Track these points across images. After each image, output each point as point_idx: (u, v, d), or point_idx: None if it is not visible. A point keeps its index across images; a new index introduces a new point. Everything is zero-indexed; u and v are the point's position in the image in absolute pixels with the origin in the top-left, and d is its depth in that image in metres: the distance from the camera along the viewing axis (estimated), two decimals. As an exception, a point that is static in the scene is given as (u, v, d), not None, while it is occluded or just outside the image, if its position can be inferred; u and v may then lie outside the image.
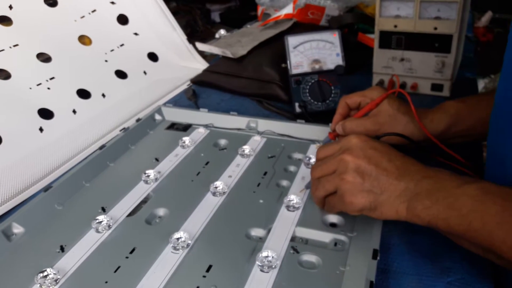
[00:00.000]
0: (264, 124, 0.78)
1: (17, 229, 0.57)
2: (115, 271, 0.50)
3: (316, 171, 0.54)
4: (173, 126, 0.83)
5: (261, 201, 0.60)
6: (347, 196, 0.49)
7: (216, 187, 0.62)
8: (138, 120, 0.81)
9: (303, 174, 0.65)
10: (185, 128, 0.81)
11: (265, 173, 0.66)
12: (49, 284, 0.48)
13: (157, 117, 0.84)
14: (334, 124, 0.67)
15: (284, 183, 0.64)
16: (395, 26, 0.85)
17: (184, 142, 0.74)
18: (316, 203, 0.56)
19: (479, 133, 0.63)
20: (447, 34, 0.81)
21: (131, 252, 0.52)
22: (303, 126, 0.75)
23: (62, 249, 0.53)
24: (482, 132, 0.61)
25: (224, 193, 0.61)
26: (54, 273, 0.49)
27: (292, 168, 0.67)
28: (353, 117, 0.65)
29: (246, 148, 0.71)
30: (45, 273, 0.49)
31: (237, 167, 0.68)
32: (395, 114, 0.62)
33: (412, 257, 0.51)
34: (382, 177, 0.48)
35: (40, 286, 0.48)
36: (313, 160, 0.67)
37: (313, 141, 0.73)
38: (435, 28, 0.82)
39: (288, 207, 0.57)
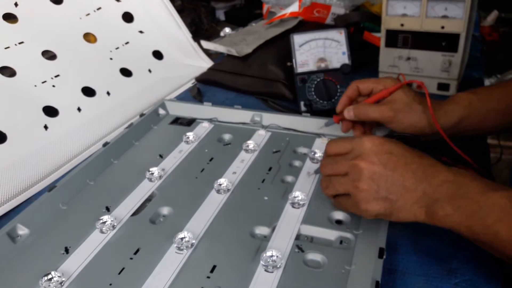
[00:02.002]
0: (269, 118, 0.77)
1: (22, 230, 0.57)
2: (120, 273, 0.49)
3: (326, 169, 0.53)
4: (177, 120, 0.82)
5: (265, 198, 0.60)
6: (362, 203, 0.48)
7: (220, 185, 0.61)
8: (142, 115, 0.80)
9: (308, 169, 0.65)
10: (189, 122, 0.81)
11: (270, 169, 0.66)
12: (54, 287, 0.48)
13: (161, 111, 0.84)
14: (342, 106, 0.65)
15: (289, 178, 0.64)
16: (402, 25, 0.85)
17: (188, 137, 0.74)
18: (325, 195, 0.55)
19: (490, 125, 0.62)
20: (455, 33, 0.81)
21: (135, 253, 0.52)
22: (308, 119, 0.75)
23: (66, 250, 0.53)
24: (494, 124, 0.61)
25: (228, 190, 0.61)
26: (58, 276, 0.49)
27: (297, 163, 0.67)
28: (365, 102, 0.63)
29: (251, 143, 0.71)
30: (50, 276, 0.48)
31: (242, 163, 0.67)
32: (410, 102, 0.60)
33: (419, 257, 0.51)
34: (398, 183, 0.47)
35: (45, 289, 0.48)
36: (318, 154, 0.66)
37: (318, 135, 0.73)
38: (442, 27, 0.81)
39: (293, 204, 0.57)
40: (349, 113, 0.64)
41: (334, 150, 0.53)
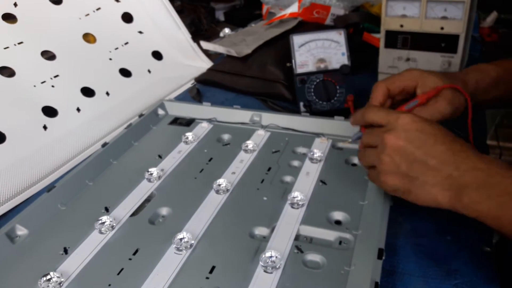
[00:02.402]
0: (268, 118, 0.77)
1: (21, 231, 0.56)
2: (118, 274, 0.49)
3: (365, 138, 0.55)
4: (176, 121, 0.82)
5: (265, 198, 0.59)
6: (382, 175, 0.50)
7: (219, 185, 0.61)
8: (141, 115, 0.80)
9: (308, 169, 0.64)
10: (188, 122, 0.81)
11: (269, 169, 0.66)
12: (53, 288, 0.48)
13: (160, 111, 0.84)
14: None
15: (288, 179, 0.63)
16: (401, 26, 0.84)
17: (187, 138, 0.74)
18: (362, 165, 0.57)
19: (492, 98, 0.61)
20: (454, 34, 0.81)
21: (134, 254, 0.52)
22: (307, 119, 0.75)
23: (65, 251, 0.53)
24: (495, 96, 0.61)
25: (227, 190, 0.61)
26: (57, 277, 0.48)
27: (296, 163, 0.67)
28: (422, 106, 0.57)
29: (250, 143, 0.71)
30: (49, 277, 0.48)
31: (241, 163, 0.67)
32: (449, 89, 0.57)
33: (418, 258, 0.50)
34: (420, 161, 0.46)
35: (44, 289, 0.47)
36: (317, 154, 0.66)
37: (317, 135, 0.73)
38: (442, 28, 0.81)
39: (292, 204, 0.57)
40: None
41: (376, 120, 0.53)
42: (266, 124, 0.77)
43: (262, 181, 0.63)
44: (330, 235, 0.53)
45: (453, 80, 0.58)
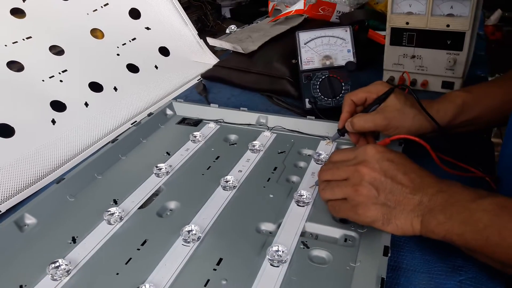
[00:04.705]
0: (274, 120, 0.78)
1: (30, 219, 0.57)
2: (126, 263, 0.50)
3: (326, 174, 0.54)
4: (184, 121, 0.83)
5: (271, 195, 0.60)
6: (360, 208, 0.48)
7: (226, 181, 0.62)
8: (149, 114, 0.81)
9: (313, 170, 0.65)
10: (196, 123, 0.82)
11: (275, 168, 0.66)
12: (61, 275, 0.48)
13: (168, 112, 0.85)
14: (343, 122, 0.66)
15: (294, 178, 0.64)
16: (407, 23, 0.85)
17: (195, 136, 0.75)
18: (322, 199, 0.55)
19: (486, 121, 0.63)
20: (460, 32, 0.81)
21: (142, 244, 0.53)
22: (313, 122, 0.75)
23: (74, 240, 0.54)
24: (490, 120, 0.62)
25: (234, 187, 0.62)
26: (66, 264, 0.49)
27: (302, 164, 0.67)
28: (361, 114, 0.64)
29: (256, 144, 0.71)
30: (57, 264, 0.49)
31: (247, 162, 0.68)
32: (402, 108, 0.61)
33: (423, 254, 0.51)
34: (397, 190, 0.48)
35: (52, 276, 0.48)
36: (323, 156, 0.67)
37: (323, 137, 0.73)
38: (448, 25, 0.81)
39: (298, 202, 0.58)
40: (348, 127, 0.65)
41: (339, 158, 0.54)
42: (272, 126, 0.77)
43: (268, 179, 0.64)
44: (335, 232, 0.53)
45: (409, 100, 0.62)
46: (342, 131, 0.67)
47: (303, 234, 0.53)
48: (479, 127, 0.65)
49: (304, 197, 0.58)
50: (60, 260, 0.49)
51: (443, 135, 0.62)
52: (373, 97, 0.64)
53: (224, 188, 0.61)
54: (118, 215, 0.56)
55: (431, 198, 0.46)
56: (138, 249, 0.52)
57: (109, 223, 0.56)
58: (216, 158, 0.70)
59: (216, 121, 0.81)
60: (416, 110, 0.61)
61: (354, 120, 0.63)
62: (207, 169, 0.67)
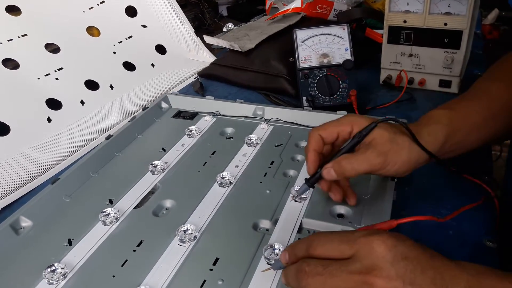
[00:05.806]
0: (271, 112, 0.77)
1: (25, 222, 0.57)
2: (122, 265, 0.50)
3: (312, 281, 0.38)
4: (179, 114, 0.83)
5: (268, 191, 0.60)
6: None
7: (222, 178, 0.62)
8: (144, 108, 0.81)
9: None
10: (192, 116, 0.81)
11: (272, 162, 0.66)
12: (57, 279, 0.48)
13: (164, 105, 0.84)
14: (313, 164, 0.52)
15: (291, 172, 0.64)
16: (405, 22, 0.85)
17: (190, 131, 0.74)
18: None
19: (474, 140, 0.55)
20: (458, 30, 0.81)
21: (138, 245, 0.52)
22: (310, 113, 0.75)
23: (70, 242, 0.54)
24: (477, 138, 0.55)
25: (230, 183, 0.61)
26: (62, 268, 0.49)
27: (299, 157, 0.67)
28: (348, 155, 0.50)
29: (253, 137, 0.71)
30: (53, 268, 0.49)
31: (244, 157, 0.68)
32: (393, 137, 0.49)
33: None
34: None
35: (48, 281, 0.48)
36: None
37: None
38: (445, 24, 0.81)
39: (295, 197, 0.57)
40: (329, 174, 0.50)
41: (325, 253, 0.39)
42: (269, 117, 0.77)
43: (265, 174, 0.63)
44: (332, 228, 0.53)
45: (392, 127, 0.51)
46: (313, 181, 0.52)
47: (300, 230, 0.53)
48: (466, 150, 0.55)
49: None
50: (56, 264, 0.49)
51: (441, 165, 0.53)
52: (347, 130, 0.51)
53: (221, 184, 0.61)
54: (114, 216, 0.56)
55: None
56: (134, 250, 0.52)
57: (105, 224, 0.55)
58: (213, 153, 0.69)
59: (212, 114, 0.80)
60: (408, 137, 0.50)
61: (342, 164, 0.49)
62: (203, 165, 0.67)
